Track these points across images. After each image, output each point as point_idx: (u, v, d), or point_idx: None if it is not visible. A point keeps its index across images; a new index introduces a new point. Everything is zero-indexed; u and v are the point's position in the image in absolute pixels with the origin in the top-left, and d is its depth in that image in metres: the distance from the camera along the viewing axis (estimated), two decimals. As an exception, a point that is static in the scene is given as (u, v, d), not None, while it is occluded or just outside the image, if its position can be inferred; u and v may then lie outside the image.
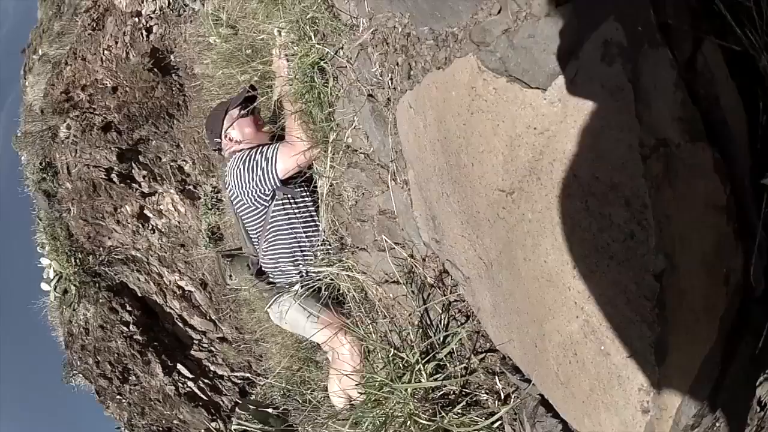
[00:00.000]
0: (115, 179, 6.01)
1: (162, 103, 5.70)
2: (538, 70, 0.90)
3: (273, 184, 2.41)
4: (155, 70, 5.85)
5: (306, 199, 2.55)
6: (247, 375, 6.41)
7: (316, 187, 2.52)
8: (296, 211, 2.54)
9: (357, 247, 1.95)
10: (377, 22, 1.44)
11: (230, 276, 3.27)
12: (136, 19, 6.42)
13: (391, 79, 1.41)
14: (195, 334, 6.53)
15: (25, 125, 8.84)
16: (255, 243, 2.82)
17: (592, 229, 0.87)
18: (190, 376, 6.45)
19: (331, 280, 2.24)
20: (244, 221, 2.75)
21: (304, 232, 2.58)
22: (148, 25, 6.31)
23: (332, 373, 2.78)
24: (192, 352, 6.47)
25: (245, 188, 2.50)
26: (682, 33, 0.83)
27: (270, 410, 5.33)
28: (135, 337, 6.46)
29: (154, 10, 6.28)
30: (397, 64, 1.36)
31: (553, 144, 0.89)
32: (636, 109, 0.77)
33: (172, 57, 5.85)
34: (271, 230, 2.62)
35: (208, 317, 6.40)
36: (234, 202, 2.76)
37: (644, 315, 0.83)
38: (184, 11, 5.72)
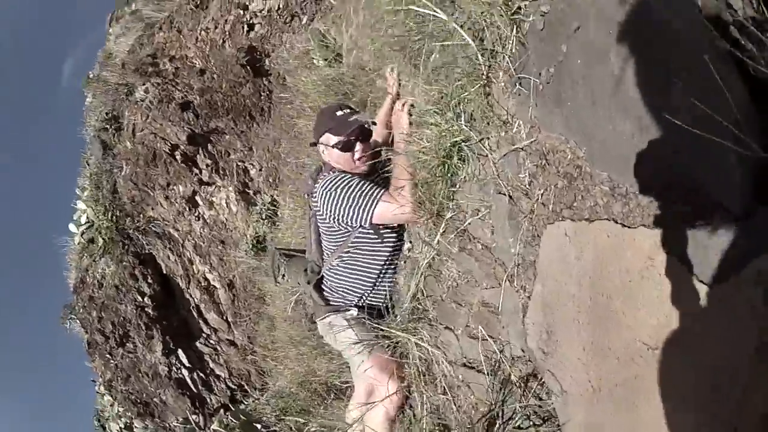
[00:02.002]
0: (178, 157, 6.20)
1: (247, 102, 5.91)
2: (708, 268, 1.04)
3: (363, 223, 2.42)
4: (248, 67, 6.08)
5: (393, 241, 2.59)
6: (244, 384, 6.47)
7: (403, 234, 2.63)
8: (380, 248, 2.58)
9: (441, 324, 2.06)
10: (542, 136, 1.58)
11: (283, 275, 3.23)
12: (241, 12, 6.69)
13: (544, 195, 1.54)
14: (206, 328, 6.63)
15: (101, 71, 9.16)
16: (325, 254, 2.81)
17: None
18: (188, 365, 6.52)
19: (395, 339, 2.34)
20: (321, 231, 2.74)
21: (381, 272, 2.61)
22: (251, 21, 6.56)
23: (358, 405, 2.81)
24: (197, 344, 6.56)
25: (332, 212, 2.48)
26: None
27: (259, 426, 5.37)
28: (147, 309, 6.57)
29: (262, 10, 6.54)
30: (556, 186, 1.49)
31: (703, 330, 1.03)
32: None
33: (267, 61, 6.07)
34: (348, 253, 2.62)
35: (224, 317, 6.50)
36: (314, 211, 2.74)
37: None
38: (294, 21, 5.96)
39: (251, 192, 6.18)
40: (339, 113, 2.67)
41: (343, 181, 2.48)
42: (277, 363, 5.81)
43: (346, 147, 2.55)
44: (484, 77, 1.78)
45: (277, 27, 6.17)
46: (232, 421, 6.05)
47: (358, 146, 2.57)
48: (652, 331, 1.15)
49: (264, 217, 5.92)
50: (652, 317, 1.14)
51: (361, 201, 2.39)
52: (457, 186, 2.01)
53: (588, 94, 1.32)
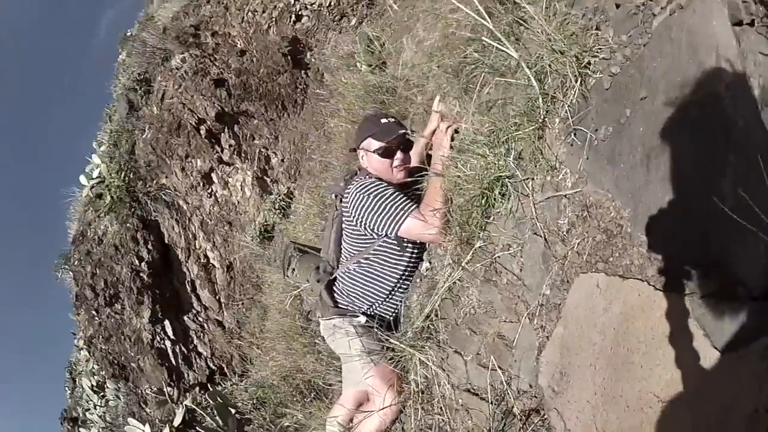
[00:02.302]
0: (202, 132, 6.29)
1: (281, 91, 6.01)
2: (722, 336, 1.16)
3: (389, 233, 2.49)
4: (288, 58, 6.18)
5: (413, 256, 2.65)
6: (224, 367, 6.52)
7: (423, 252, 2.70)
8: (399, 260, 2.64)
9: (451, 348, 2.14)
10: (588, 188, 1.67)
11: (293, 270, 3.22)
12: (292, 1, 6.80)
13: (580, 245, 1.62)
14: (197, 304, 6.69)
15: (141, 32, 9.24)
16: (342, 257, 2.84)
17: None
18: (172, 337, 6.58)
19: (399, 353, 2.42)
20: (345, 234, 2.77)
21: (395, 284, 2.67)
22: (300, 12, 6.66)
23: (344, 410, 2.80)
24: (185, 318, 6.62)
25: (361, 216, 2.54)
26: None
27: (233, 411, 5.41)
28: (141, 274, 6.63)
29: (313, 3, 6.65)
30: (594, 238, 1.57)
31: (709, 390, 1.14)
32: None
33: (309, 55, 6.18)
34: (368, 260, 2.67)
35: (217, 297, 6.56)
36: (341, 212, 2.77)
37: None
38: (343, 21, 6.07)
39: (269, 180, 6.25)
40: (384, 120, 2.76)
41: (378, 188, 2.54)
42: (262, 352, 5.85)
43: (387, 153, 2.64)
44: (540, 120, 1.87)
45: (324, 23, 6.27)
46: (206, 400, 6.08)
47: (398, 155, 2.65)
48: (664, 384, 1.25)
49: (277, 207, 5.98)
50: (668, 373, 1.24)
51: (391, 211, 2.45)
52: (492, 218, 2.09)
53: (644, 161, 1.41)
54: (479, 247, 2.10)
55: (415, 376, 2.31)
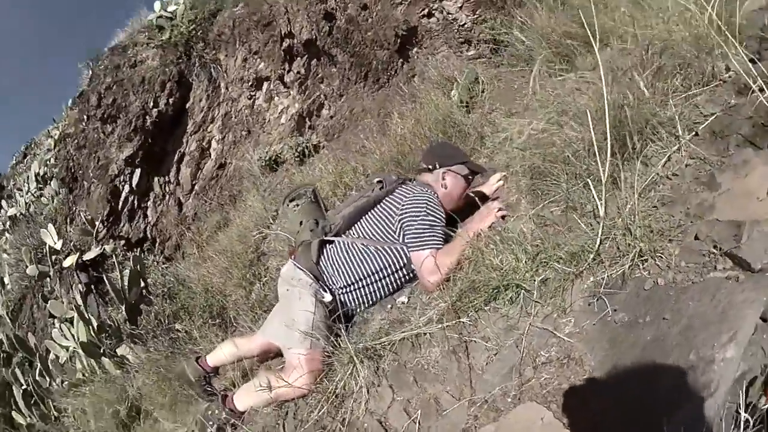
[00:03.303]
0: (284, 45, 6.36)
1: (373, 63, 6.13)
2: None
3: (405, 248, 2.86)
4: (398, 40, 6.29)
5: (408, 277, 2.97)
6: (158, 242, 6.67)
7: (412, 284, 2.99)
8: (399, 270, 2.93)
9: (388, 380, 2.40)
10: (579, 344, 1.97)
11: (296, 204, 3.31)
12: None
13: (546, 380, 1.93)
14: (173, 175, 6.86)
15: None
16: (352, 230, 3.09)
17: None
18: (134, 186, 6.70)
19: (340, 352, 2.65)
20: (375, 216, 3.05)
21: (381, 283, 2.95)
22: (432, 11, 6.79)
23: (248, 344, 3.22)
24: (155, 179, 6.75)
25: (405, 216, 2.88)
26: None
27: (142, 284, 5.57)
28: (148, 118, 6.71)
29: (450, 13, 6.81)
30: (560, 384, 1.88)
31: None
32: None
33: (415, 50, 6.37)
34: (376, 249, 2.92)
35: (193, 182, 6.70)
36: (375, 195, 3.12)
37: None
38: (463, 46, 6.27)
39: (308, 124, 6.44)
40: (463, 151, 3.41)
41: (437, 211, 2.90)
42: (198, 255, 6.01)
43: (468, 181, 3.18)
44: (579, 270, 2.18)
45: (447, 35, 6.44)
46: (125, 258, 6.24)
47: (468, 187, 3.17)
48: None
49: (298, 150, 6.15)
50: None
51: (425, 235, 2.79)
52: (488, 309, 2.39)
53: (635, 366, 1.72)
54: (463, 322, 2.38)
55: (341, 380, 2.56)
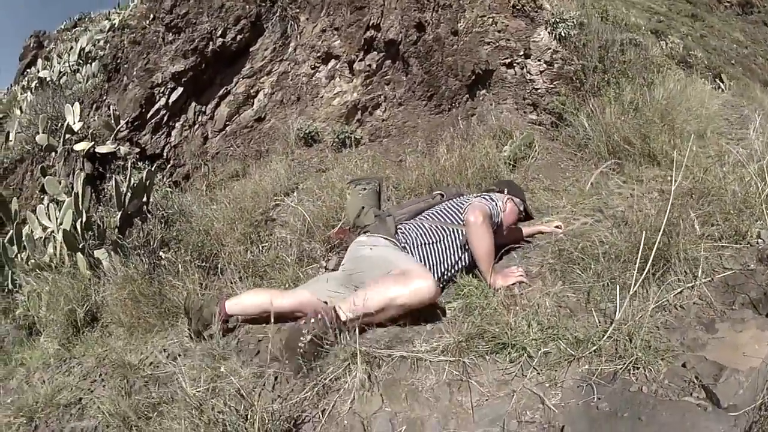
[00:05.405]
0: (367, 34, 6.62)
1: (441, 88, 6.45)
2: None
3: (465, 208, 3.41)
4: (473, 77, 6.66)
5: (461, 261, 3.45)
6: (172, 164, 6.87)
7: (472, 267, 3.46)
8: (455, 251, 3.43)
9: (379, 391, 2.78)
10: (561, 417, 2.38)
11: (363, 189, 3.83)
12: (520, 54, 7.36)
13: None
14: (212, 110, 7.04)
15: None
16: (415, 223, 3.55)
17: None
18: (169, 102, 6.88)
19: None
20: (439, 209, 3.61)
21: (452, 266, 3.44)
22: (512, 61, 7.20)
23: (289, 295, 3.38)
24: (192, 104, 6.94)
25: (473, 197, 3.55)
26: None
27: (144, 199, 5.68)
28: (211, 42, 6.83)
29: (524, 69, 7.22)
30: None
31: None
32: None
33: (483, 92, 6.76)
34: (437, 227, 3.47)
35: (226, 124, 6.89)
36: (435, 201, 3.74)
37: None
38: (527, 108, 6.72)
39: (357, 116, 6.72)
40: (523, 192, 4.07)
41: (497, 206, 3.52)
42: (205, 193, 6.19)
43: (518, 217, 3.82)
44: (577, 356, 2.59)
45: (516, 90, 6.86)
46: (137, 167, 6.44)
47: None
48: None
49: (339, 137, 6.47)
50: None
51: (484, 199, 3.49)
52: (489, 359, 2.71)
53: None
54: (465, 362, 2.73)
55: (332, 373, 2.76)
